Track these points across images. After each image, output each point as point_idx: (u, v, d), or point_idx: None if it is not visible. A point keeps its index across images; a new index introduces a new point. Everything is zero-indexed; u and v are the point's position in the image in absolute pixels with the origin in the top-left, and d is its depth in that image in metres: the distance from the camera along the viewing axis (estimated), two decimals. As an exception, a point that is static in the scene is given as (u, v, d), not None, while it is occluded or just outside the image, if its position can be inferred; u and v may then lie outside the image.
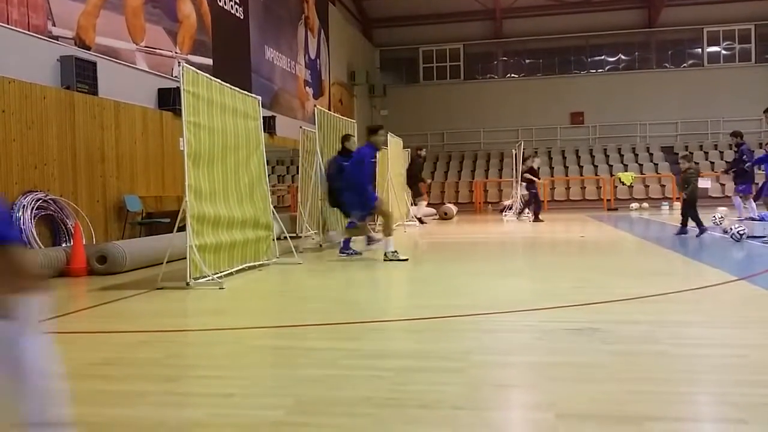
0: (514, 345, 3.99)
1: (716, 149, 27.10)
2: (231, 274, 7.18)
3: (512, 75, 30.38)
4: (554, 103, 28.68)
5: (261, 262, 8.10)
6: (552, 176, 26.54)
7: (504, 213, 19.50)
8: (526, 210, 17.58)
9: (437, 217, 19.97)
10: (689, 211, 10.74)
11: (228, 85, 7.64)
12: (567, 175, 26.57)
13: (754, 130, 25.85)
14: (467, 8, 28.03)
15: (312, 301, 5.86)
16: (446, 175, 27.84)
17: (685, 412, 2.83)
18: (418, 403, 2.90)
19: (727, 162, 14.24)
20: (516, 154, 18.93)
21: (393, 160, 15.62)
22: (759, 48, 27.97)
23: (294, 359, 3.73)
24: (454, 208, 19.86)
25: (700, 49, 28.61)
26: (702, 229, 10.50)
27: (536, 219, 16.83)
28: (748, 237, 9.78)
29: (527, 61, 30.26)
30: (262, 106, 8.86)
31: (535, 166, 17.09)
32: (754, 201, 13.12)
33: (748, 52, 28.09)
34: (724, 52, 28.43)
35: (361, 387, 3.15)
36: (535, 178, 16.85)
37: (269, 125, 15.36)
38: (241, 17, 15.80)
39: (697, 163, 12.97)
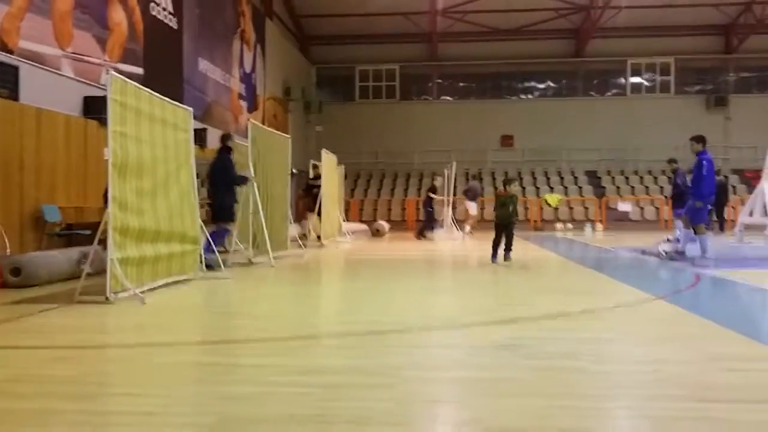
0: (443, 361, 4.02)
1: (636, 174, 28.34)
2: (154, 288, 6.95)
3: (446, 97, 30.96)
4: (486, 126, 29.36)
5: (187, 277, 7.89)
6: (482, 196, 27.07)
7: (434, 232, 19.72)
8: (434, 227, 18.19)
9: (370, 233, 20.01)
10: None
11: (158, 95, 7.46)
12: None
13: (673, 157, 27.12)
14: (404, 30, 28.43)
15: (238, 317, 5.74)
16: (379, 192, 28.01)
17: (603, 426, 2.92)
18: (345, 419, 2.87)
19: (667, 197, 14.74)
20: (448, 175, 19.26)
21: (327, 176, 15.60)
22: (678, 80, 29.54)
23: (217, 376, 3.64)
24: (386, 226, 19.96)
25: (623, 80, 29.98)
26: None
27: (421, 235, 17.39)
28: (671, 258, 10.21)
29: (461, 84, 30.92)
30: (194, 118, 8.69)
31: (437, 185, 17.87)
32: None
33: (668, 83, 29.62)
34: (645, 83, 29.89)
35: (286, 404, 3.09)
36: (435, 196, 17.64)
37: (200, 138, 15.06)
38: (175, 27, 15.50)
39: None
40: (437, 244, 16.55)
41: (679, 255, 10.21)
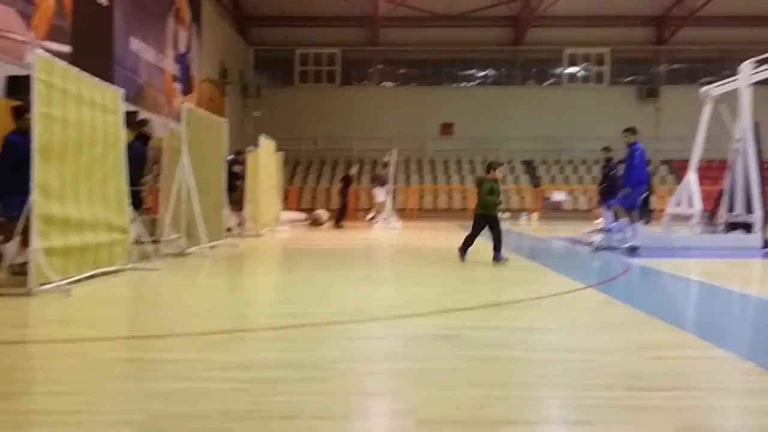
0: (379, 353, 4.01)
1: (571, 164, 29.10)
2: (80, 280, 6.67)
3: (387, 83, 30.95)
4: (426, 113, 29.52)
5: (116, 268, 7.61)
6: (421, 185, 27.30)
7: (374, 220, 19.77)
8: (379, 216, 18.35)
9: (308, 222, 19.86)
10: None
11: (86, 74, 7.13)
12: (435, 184, 27.41)
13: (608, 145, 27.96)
14: (345, 13, 28.21)
15: (170, 310, 5.57)
16: (318, 180, 27.81)
17: (536, 415, 2.97)
18: (279, 414, 2.83)
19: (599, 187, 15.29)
20: (388, 162, 19.28)
21: (265, 162, 15.34)
22: (612, 71, 30.40)
23: (147, 372, 3.52)
24: (325, 214, 19.85)
25: (560, 69, 30.64)
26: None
27: (337, 225, 17.70)
28: (603, 248, 10.51)
29: (402, 70, 30.96)
30: (125, 100, 8.36)
31: (352, 174, 18.37)
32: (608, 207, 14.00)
33: (602, 74, 30.45)
34: (581, 72, 30.64)
35: (219, 400, 3.02)
36: (348, 185, 18.06)
37: (129, 119, 14.53)
38: (106, 4, 14.88)
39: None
40: (375, 233, 16.56)
41: (622, 247, 10.44)
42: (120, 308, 5.79)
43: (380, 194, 19.30)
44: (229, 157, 13.28)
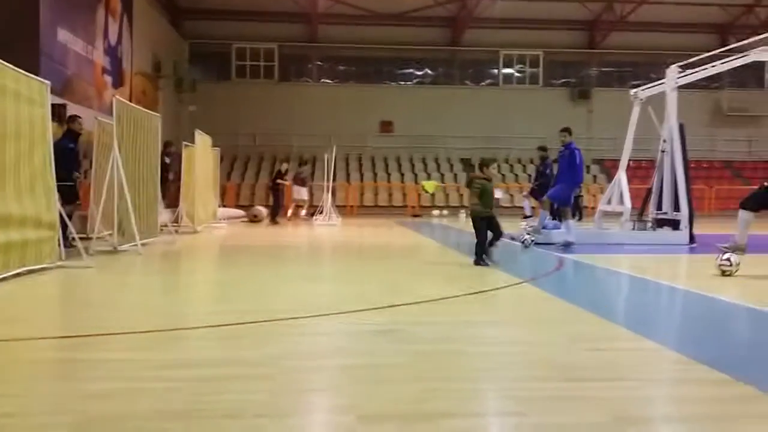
0: (321, 349, 4.00)
1: (507, 162, 29.69)
2: (6, 278, 6.37)
3: (326, 80, 30.80)
4: (366, 110, 29.53)
5: (44, 266, 7.29)
6: (361, 182, 27.31)
7: (314, 217, 19.68)
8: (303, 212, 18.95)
9: (247, 219, 19.58)
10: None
11: (10, 65, 6.80)
12: (375, 182, 27.49)
13: (543, 145, 28.70)
14: (283, 9, 27.89)
15: (102, 308, 5.38)
16: (257, 176, 27.44)
17: (476, 407, 3.02)
18: (218, 414, 2.78)
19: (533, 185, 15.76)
20: (328, 159, 19.22)
21: (200, 158, 15.03)
22: (546, 73, 31.18)
23: (80, 372, 3.40)
24: (264, 211, 19.61)
25: (496, 70, 31.21)
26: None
27: (273, 221, 17.82)
28: (536, 244, 10.76)
29: (341, 67, 30.86)
30: (52, 93, 8.01)
31: (282, 170, 18.49)
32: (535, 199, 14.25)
33: (537, 75, 31.19)
34: (516, 74, 31.30)
35: (156, 400, 2.93)
36: (282, 181, 18.28)
37: (59, 114, 13.97)
38: (31, -8, 14.23)
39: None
40: (315, 229, 16.48)
41: (556, 243, 10.68)
42: (50, 307, 5.57)
43: (302, 192, 19.62)
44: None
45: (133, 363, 3.56)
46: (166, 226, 12.61)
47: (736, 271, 7.01)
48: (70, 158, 9.73)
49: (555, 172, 14.58)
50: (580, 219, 14.30)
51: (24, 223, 6.87)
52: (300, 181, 19.58)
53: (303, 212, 19.62)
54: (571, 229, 10.56)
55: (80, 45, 17.34)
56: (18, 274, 6.61)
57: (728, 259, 7.06)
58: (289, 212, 19.76)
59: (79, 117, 10.48)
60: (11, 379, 3.29)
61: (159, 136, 11.82)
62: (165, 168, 13.64)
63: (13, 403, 2.90)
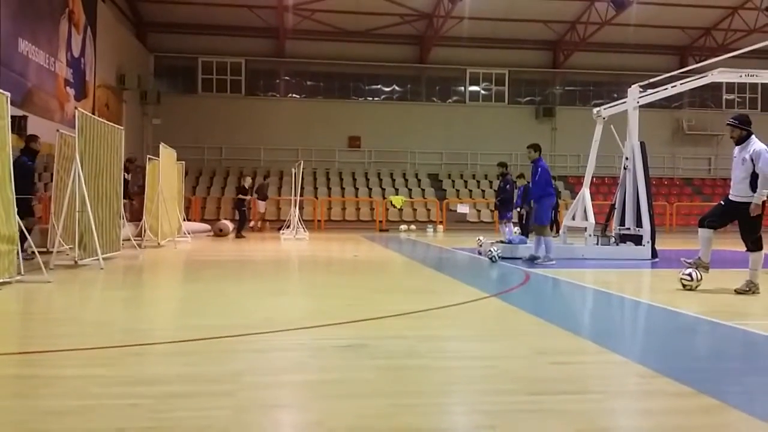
0: (286, 364, 3.94)
1: (474, 178, 29.96)
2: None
3: (294, 95, 30.75)
4: (333, 125, 29.54)
5: (2, 280, 7.08)
6: (329, 197, 27.26)
7: (281, 231, 19.56)
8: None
9: (212, 233, 19.34)
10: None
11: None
12: (343, 196, 27.46)
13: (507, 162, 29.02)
14: (250, 23, 27.83)
15: (61, 324, 5.23)
16: (223, 191, 27.17)
17: (444, 422, 3.01)
18: (181, 431, 2.70)
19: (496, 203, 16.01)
20: (295, 173, 19.15)
21: (165, 171, 14.82)
22: (511, 91, 31.64)
23: (36, 389, 3.29)
24: (230, 225, 19.40)
25: (463, 88, 31.56)
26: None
27: (239, 235, 18.08)
28: (502, 258, 10.83)
29: (309, 83, 30.86)
30: (12, 104, 7.83)
31: (246, 185, 18.72)
32: (523, 229, 14.36)
33: (502, 93, 31.62)
34: (483, 92, 31.69)
35: (114, 417, 2.85)
36: (244, 197, 18.56)
37: (19, 126, 13.66)
38: (-9, 1, 13.95)
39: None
40: (283, 244, 16.36)
41: (523, 257, 10.77)
42: (6, 322, 5.38)
43: (261, 206, 20.78)
44: None
45: (92, 379, 3.46)
46: (128, 240, 12.37)
47: (698, 285, 7.14)
48: (29, 174, 9.91)
49: (516, 188, 14.82)
50: (557, 233, 14.45)
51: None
52: (262, 195, 20.57)
53: (257, 224, 20.89)
54: (550, 245, 10.59)
55: (42, 56, 17.03)
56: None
57: (689, 274, 7.20)
58: (258, 224, 20.46)
59: (38, 137, 10.64)
60: (-38, 397, 3.17)
61: (122, 149, 11.63)
62: (126, 184, 13.41)
63: (-36, 422, 2.79)
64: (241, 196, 18.53)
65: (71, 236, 9.35)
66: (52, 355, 4.05)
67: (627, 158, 12.38)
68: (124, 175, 13.08)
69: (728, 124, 7.24)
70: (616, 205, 12.68)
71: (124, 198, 12.67)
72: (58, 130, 12.06)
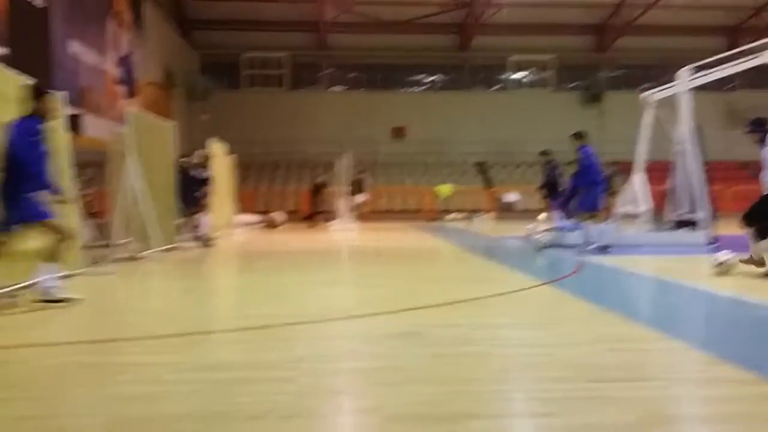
0: (343, 352, 4.00)
1: (520, 167, 29.61)
2: (29, 285, 6.43)
3: (336, 87, 30.90)
4: (377, 117, 29.58)
5: (68, 273, 7.35)
6: (375, 187, 27.33)
7: (330, 223, 19.73)
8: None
9: (264, 225, 19.66)
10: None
11: (26, 78, 6.88)
12: (389, 186, 27.52)
13: (546, 149, 28.64)
14: (292, 18, 28.05)
15: (128, 313, 5.43)
16: (271, 183, 27.54)
17: (500, 408, 3.01)
18: (246, 415, 2.80)
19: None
20: (341, 165, 19.29)
21: (217, 166, 15.10)
22: (556, 77, 31.11)
23: (108, 376, 3.43)
24: (279, 217, 19.68)
25: (506, 75, 31.18)
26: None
27: (312, 224, 19.14)
28: (554, 245, 10.69)
29: (351, 74, 30.96)
30: (67, 103, 8.09)
31: (320, 182, 20.09)
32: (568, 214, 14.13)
33: (547, 79, 31.12)
34: (526, 79, 31.25)
35: (184, 402, 2.96)
36: (319, 189, 19.74)
37: (74, 124, 14.07)
38: (42, 5, 14.39)
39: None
40: (332, 235, 16.51)
41: (593, 247, 10.47)
42: (75, 313, 5.59)
43: (358, 197, 20.83)
44: (182, 159, 12.85)
45: (158, 366, 3.59)
46: (184, 233, 12.65)
47: (728, 270, 7.04)
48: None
49: (562, 174, 14.56)
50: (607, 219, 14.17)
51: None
52: (358, 189, 20.92)
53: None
54: (602, 233, 10.33)
55: (92, 56, 17.51)
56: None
57: (719, 260, 7.14)
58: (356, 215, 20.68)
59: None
60: (39, 382, 3.33)
61: (173, 143, 11.92)
62: (205, 181, 13.25)
63: (41, 405, 2.94)
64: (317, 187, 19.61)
65: (129, 230, 9.64)
66: (121, 343, 4.21)
67: (679, 142, 12.07)
68: (202, 171, 13.14)
69: (746, 133, 7.45)
70: (671, 191, 12.38)
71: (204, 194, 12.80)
72: (110, 127, 12.43)
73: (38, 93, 5.77)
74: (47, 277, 5.56)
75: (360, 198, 20.81)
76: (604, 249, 10.02)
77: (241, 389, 3.16)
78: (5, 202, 5.51)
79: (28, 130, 5.54)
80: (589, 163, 10.34)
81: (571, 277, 7.58)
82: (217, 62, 29.85)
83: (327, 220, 19.73)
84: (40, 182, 5.55)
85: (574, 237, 10.90)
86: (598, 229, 10.33)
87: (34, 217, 5.54)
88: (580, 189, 10.49)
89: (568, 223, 11.44)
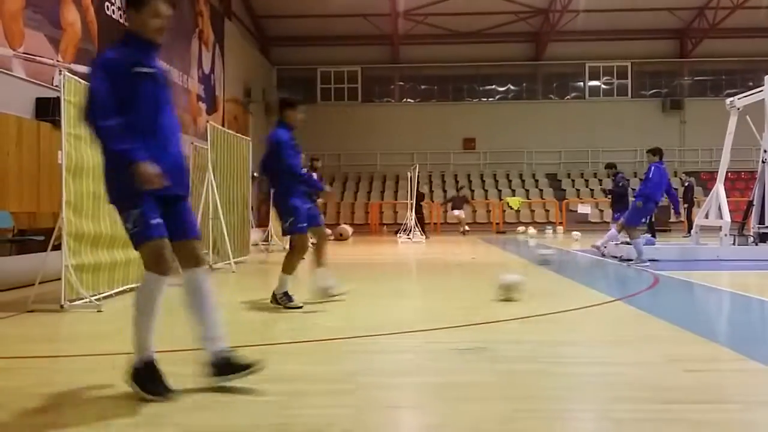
0: (405, 366, 3.99)
1: (595, 177, 28.84)
2: (111, 296, 6.76)
3: (408, 100, 31.06)
4: (448, 128, 29.53)
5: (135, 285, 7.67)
6: (445, 200, 27.23)
7: (399, 234, 19.77)
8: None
9: (332, 237, 19.89)
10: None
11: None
12: (459, 199, 27.33)
13: (629, 160, 27.78)
14: (365, 32, 28.43)
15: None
16: (342, 195, 27.91)
17: (568, 428, 2.92)
18: (307, 428, 2.82)
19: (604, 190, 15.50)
20: (411, 177, 19.31)
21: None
22: (635, 84, 30.18)
23: (177, 386, 3.53)
24: (349, 229, 19.90)
25: (582, 83, 30.49)
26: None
27: (425, 236, 18.69)
28: (624, 259, 10.37)
29: (423, 87, 31.06)
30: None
31: (424, 192, 20.00)
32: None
33: (625, 87, 30.24)
34: (603, 86, 30.45)
35: (247, 413, 3.02)
36: (421, 201, 19.72)
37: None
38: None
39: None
40: (400, 247, 16.55)
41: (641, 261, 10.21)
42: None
43: (458, 213, 21.63)
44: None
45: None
46: (256, 244, 13.00)
47: None
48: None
49: (629, 187, 14.22)
50: (688, 233, 13.73)
51: (129, 244, 7.25)
52: (457, 204, 21.62)
53: (462, 229, 21.27)
54: (640, 247, 10.06)
55: (176, 74, 18.30)
56: (122, 292, 6.99)
57: None
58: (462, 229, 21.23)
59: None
60: (113, 391, 3.46)
61: (250, 159, 12.28)
62: (319, 180, 13.37)
63: (113, 413, 3.06)
64: (420, 202, 19.73)
65: (206, 242, 9.97)
66: (189, 353, 4.34)
67: (766, 151, 11.46)
68: (311, 172, 13.22)
69: None
70: (755, 202, 11.77)
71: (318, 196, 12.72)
72: (192, 143, 12.93)
73: (286, 104, 6.61)
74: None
75: (461, 213, 21.42)
76: (638, 262, 9.79)
77: (303, 402, 3.20)
78: (283, 208, 6.18)
79: (287, 138, 6.40)
80: (655, 179, 10.06)
81: (645, 293, 7.31)
82: (293, 77, 30.59)
83: (424, 232, 19.73)
84: (312, 185, 6.40)
85: (626, 250, 10.57)
86: (634, 244, 10.05)
87: (315, 220, 6.42)
88: (636, 201, 10.23)
89: (641, 237, 11.06)
